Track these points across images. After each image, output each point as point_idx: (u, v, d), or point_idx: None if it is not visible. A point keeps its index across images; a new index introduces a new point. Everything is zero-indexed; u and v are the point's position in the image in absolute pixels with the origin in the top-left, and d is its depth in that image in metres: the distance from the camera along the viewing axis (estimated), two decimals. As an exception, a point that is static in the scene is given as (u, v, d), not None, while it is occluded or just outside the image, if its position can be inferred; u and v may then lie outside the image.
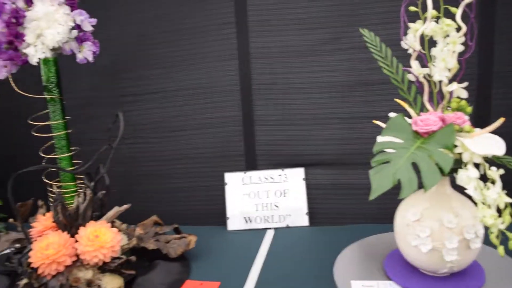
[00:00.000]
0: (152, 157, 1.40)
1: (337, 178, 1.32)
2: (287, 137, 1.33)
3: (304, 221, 1.30)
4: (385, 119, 0.93)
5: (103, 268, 0.96)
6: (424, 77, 0.94)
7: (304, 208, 1.30)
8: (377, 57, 1.00)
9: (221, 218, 1.35)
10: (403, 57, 0.98)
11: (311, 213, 1.31)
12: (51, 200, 1.20)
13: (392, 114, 0.92)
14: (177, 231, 1.16)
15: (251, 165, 1.36)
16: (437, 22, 0.90)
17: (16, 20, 1.05)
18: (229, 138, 1.35)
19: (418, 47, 0.92)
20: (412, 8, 0.94)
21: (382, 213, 1.26)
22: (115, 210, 1.04)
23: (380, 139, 0.88)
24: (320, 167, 1.32)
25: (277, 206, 1.31)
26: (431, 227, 0.87)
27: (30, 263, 0.95)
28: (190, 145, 1.37)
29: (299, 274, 1.02)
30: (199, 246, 1.14)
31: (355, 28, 1.24)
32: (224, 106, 1.34)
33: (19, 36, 1.07)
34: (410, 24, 0.94)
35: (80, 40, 1.14)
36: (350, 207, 1.33)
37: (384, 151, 0.84)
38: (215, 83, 1.34)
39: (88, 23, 1.12)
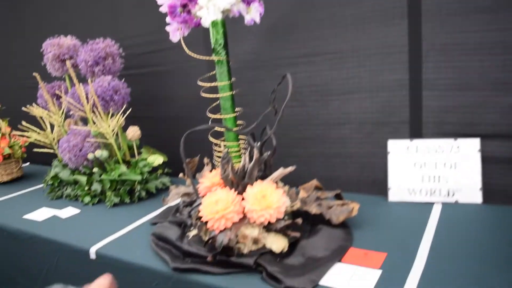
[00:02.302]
0: (313, 120, 1.37)
1: (519, 152, 1.15)
2: (461, 104, 1.18)
3: (476, 197, 1.16)
4: None
5: (268, 228, 0.96)
6: None
7: (478, 184, 1.16)
8: None
9: (380, 187, 1.28)
10: None
11: (486, 190, 1.16)
12: (216, 158, 1.25)
13: None
14: (338, 197, 1.12)
15: (415, 133, 1.25)
16: None
17: (191, -18, 1.08)
18: (394, 103, 1.25)
19: None
20: None
21: None
22: (280, 171, 1.03)
23: None
24: (499, 138, 1.16)
25: (446, 180, 1.19)
26: None
27: (200, 216, 0.99)
28: (353, 110, 1.31)
29: (473, 257, 0.90)
30: (360, 215, 1.09)
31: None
32: (390, 69, 1.24)
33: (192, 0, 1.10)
34: None
35: (247, 2, 1.14)
36: (534, 185, 1.15)
37: None
38: (381, 43, 1.24)
39: (256, -16, 1.10)
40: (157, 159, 1.53)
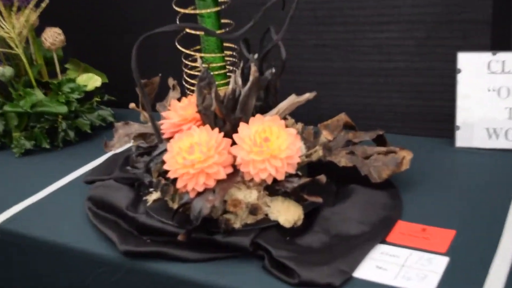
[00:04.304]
0: (336, 18, 1.33)
1: None
2: None
3: None
4: None
5: (273, 189, 0.93)
6: None
7: None
8: None
9: (442, 125, 1.26)
10: None
11: None
12: (188, 79, 1.20)
13: None
14: (380, 140, 1.09)
15: (502, 40, 1.21)
16: None
17: None
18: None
19: None
20: None
21: None
22: (292, 100, 0.99)
23: None
24: None
25: (545, 114, 1.16)
26: None
27: (164, 171, 0.96)
28: (399, 3, 1.26)
29: None
30: (413, 169, 1.05)
31: None
32: None
33: None
34: None
35: None
36: None
37: None
38: None
39: None
40: (92, 80, 1.49)
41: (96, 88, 1.50)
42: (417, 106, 1.31)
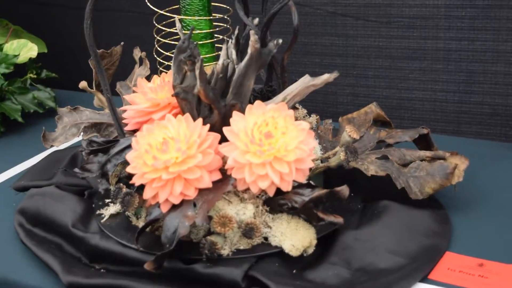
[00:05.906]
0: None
1: None
2: None
3: None
4: None
5: (277, 203, 0.93)
6: None
7: None
8: None
9: (507, 123, 1.28)
10: None
11: None
12: (160, 50, 1.20)
13: None
14: (425, 142, 1.09)
15: None
16: None
17: None
18: None
19: None
20: None
21: None
22: (305, 82, 0.99)
23: None
24: None
25: None
26: None
27: (127, 176, 0.97)
28: None
29: None
30: (467, 182, 1.06)
31: None
32: None
33: None
34: None
35: None
36: None
37: None
38: None
39: None
40: (25, 49, 1.48)
41: (31, 60, 1.50)
42: (476, 102, 1.32)
